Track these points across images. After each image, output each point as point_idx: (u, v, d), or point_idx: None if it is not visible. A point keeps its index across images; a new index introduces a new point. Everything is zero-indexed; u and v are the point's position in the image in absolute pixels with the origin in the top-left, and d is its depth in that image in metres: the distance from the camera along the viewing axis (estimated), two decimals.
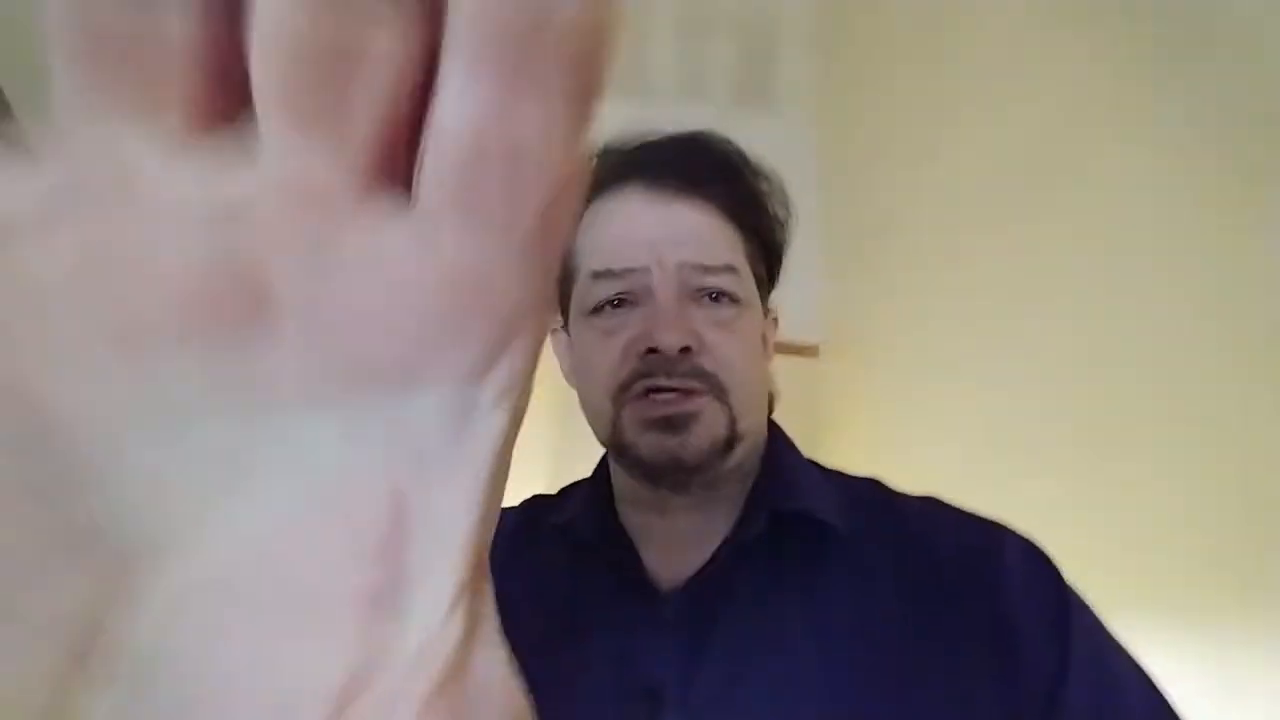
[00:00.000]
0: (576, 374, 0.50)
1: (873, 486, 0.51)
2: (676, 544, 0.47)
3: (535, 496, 0.56)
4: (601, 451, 0.53)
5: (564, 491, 0.55)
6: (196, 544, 0.10)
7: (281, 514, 0.10)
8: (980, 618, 0.41)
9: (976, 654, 0.40)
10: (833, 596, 0.43)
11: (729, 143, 0.50)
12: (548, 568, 0.49)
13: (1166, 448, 1.00)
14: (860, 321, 2.40)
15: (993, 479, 1.37)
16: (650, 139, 0.49)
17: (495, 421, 0.11)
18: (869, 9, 2.34)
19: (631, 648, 0.44)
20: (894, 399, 2.01)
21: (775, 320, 0.54)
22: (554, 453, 1.78)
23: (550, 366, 0.55)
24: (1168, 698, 0.41)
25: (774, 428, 0.52)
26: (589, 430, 0.50)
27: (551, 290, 0.12)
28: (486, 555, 0.12)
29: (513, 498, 0.57)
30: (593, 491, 0.51)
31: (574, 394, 0.51)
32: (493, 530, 0.12)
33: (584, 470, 0.55)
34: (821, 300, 2.66)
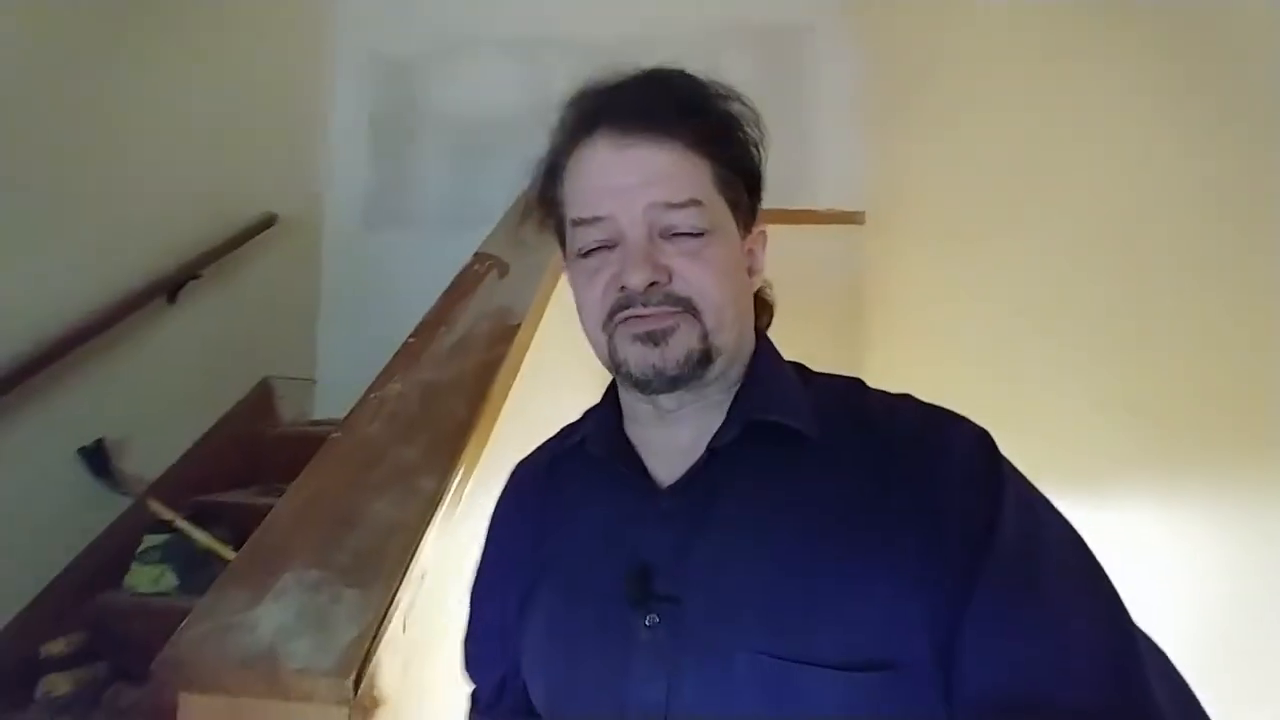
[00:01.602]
0: (577, 308, 0.56)
1: (850, 388, 0.56)
2: (674, 451, 0.55)
3: (567, 425, 0.66)
4: None
5: (585, 414, 0.64)
6: None
7: None
8: (922, 481, 0.47)
9: (915, 509, 0.47)
10: (804, 487, 0.50)
11: (688, 76, 0.54)
12: (573, 477, 0.61)
13: (1181, 315, 1.06)
14: (902, 186, 2.36)
15: (1022, 340, 1.41)
16: (614, 82, 0.54)
17: None
18: None
19: (634, 533, 0.53)
20: (935, 264, 2.01)
21: (763, 234, 0.59)
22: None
23: None
24: (1077, 530, 0.48)
25: (762, 341, 0.58)
26: None
27: None
28: None
29: None
30: (602, 413, 0.60)
31: None
32: None
33: None
34: (864, 169, 2.62)
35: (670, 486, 0.54)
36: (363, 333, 2.17)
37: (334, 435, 1.02)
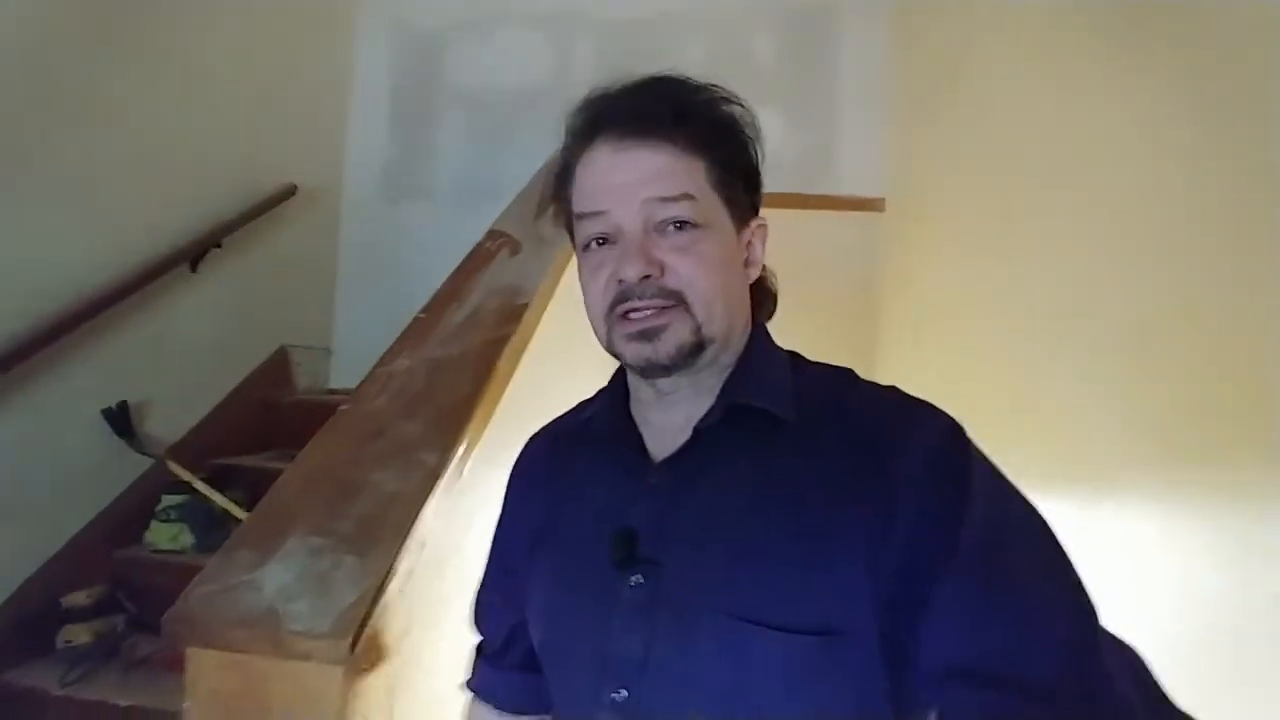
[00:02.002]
0: (583, 298, 0.60)
1: (837, 377, 0.60)
2: (669, 430, 0.59)
3: (581, 401, 0.71)
4: None
5: (598, 393, 0.69)
6: None
7: None
8: (891, 467, 0.50)
9: (879, 492, 0.50)
10: (776, 467, 0.54)
11: (684, 82, 0.58)
12: (580, 455, 0.66)
13: (1192, 320, 1.05)
14: (925, 176, 2.32)
15: (1034, 342, 1.39)
16: (616, 89, 0.58)
17: None
18: None
19: (624, 503, 0.58)
20: (953, 257, 1.98)
21: (763, 227, 0.62)
22: None
23: None
24: (1045, 518, 0.50)
25: (757, 330, 0.62)
26: None
27: None
28: None
29: None
30: (611, 393, 0.65)
31: None
32: None
33: None
34: (887, 156, 2.58)
35: (659, 462, 0.59)
36: (379, 303, 2.20)
37: (342, 408, 1.05)
